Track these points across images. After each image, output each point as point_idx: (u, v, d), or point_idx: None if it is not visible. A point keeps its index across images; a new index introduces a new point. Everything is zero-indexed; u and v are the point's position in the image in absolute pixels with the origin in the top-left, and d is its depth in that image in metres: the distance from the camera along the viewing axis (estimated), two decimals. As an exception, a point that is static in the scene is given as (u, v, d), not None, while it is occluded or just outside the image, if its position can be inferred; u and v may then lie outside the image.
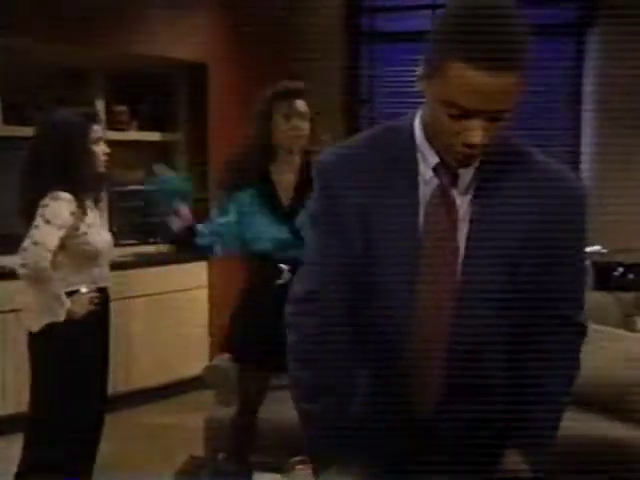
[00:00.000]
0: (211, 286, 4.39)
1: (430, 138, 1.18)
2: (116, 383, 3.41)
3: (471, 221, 1.18)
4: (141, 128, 4.56)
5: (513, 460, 1.21)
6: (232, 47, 4.53)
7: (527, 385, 1.21)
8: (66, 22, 3.64)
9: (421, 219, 1.19)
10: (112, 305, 2.70)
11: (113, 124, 4.41)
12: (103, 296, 2.59)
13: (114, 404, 3.35)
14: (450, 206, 1.19)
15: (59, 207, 2.40)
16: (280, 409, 2.91)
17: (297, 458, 2.48)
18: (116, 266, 3.02)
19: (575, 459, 2.43)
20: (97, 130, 2.54)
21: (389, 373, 1.23)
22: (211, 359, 4.17)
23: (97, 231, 2.56)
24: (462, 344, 1.18)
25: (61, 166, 2.43)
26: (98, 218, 2.63)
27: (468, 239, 1.18)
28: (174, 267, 4.27)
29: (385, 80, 5.12)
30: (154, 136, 4.58)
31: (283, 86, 2.72)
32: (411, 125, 1.22)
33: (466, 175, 1.18)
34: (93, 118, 2.57)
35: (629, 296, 3.33)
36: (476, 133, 1.08)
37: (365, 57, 5.09)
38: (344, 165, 1.23)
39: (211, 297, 4.39)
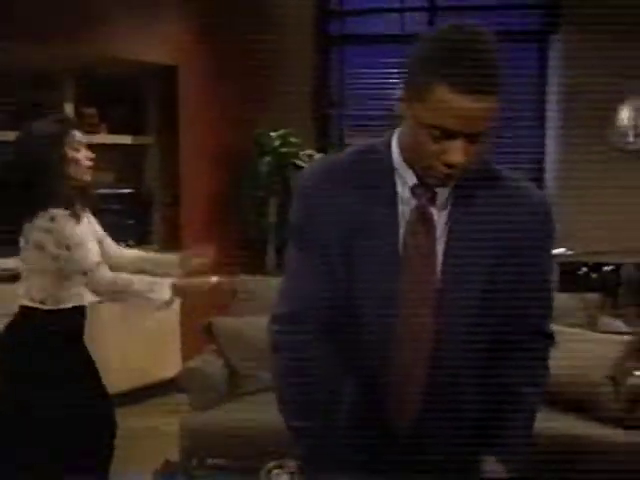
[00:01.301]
0: (183, 290, 4.38)
1: (409, 159, 1.22)
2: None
3: (448, 237, 1.23)
4: (111, 131, 4.54)
5: (492, 466, 1.27)
6: (202, 50, 4.54)
7: (501, 394, 1.27)
8: (32, 23, 3.61)
9: (401, 238, 1.23)
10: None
11: (82, 127, 4.37)
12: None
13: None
14: (429, 224, 1.23)
15: (65, 227, 2.26)
16: (255, 413, 2.95)
17: (274, 462, 2.52)
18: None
19: (544, 458, 2.50)
20: (76, 135, 2.39)
21: (372, 388, 1.26)
22: (184, 362, 4.20)
23: (87, 248, 2.37)
24: (441, 358, 1.23)
25: (45, 180, 2.30)
26: (92, 228, 2.48)
27: (445, 254, 1.23)
28: None
29: (354, 82, 5.18)
30: (125, 139, 4.57)
31: None
32: (388, 146, 1.26)
33: (443, 193, 1.23)
34: (70, 124, 2.44)
35: (594, 297, 3.42)
36: (458, 153, 1.13)
37: (335, 60, 5.14)
38: (325, 185, 1.26)
39: (183, 301, 4.38)
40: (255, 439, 2.74)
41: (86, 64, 4.22)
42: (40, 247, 2.27)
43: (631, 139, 4.66)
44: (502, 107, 1.15)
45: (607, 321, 3.54)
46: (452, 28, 1.14)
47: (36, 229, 2.27)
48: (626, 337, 3.25)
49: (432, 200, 1.23)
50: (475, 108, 1.10)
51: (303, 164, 4.07)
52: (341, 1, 5.15)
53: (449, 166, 1.15)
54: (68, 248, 2.25)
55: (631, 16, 4.28)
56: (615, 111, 4.66)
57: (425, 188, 1.22)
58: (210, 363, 3.19)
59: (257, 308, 3.35)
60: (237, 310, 3.48)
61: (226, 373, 3.18)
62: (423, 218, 1.23)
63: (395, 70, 5.11)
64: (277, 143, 4.15)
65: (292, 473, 2.48)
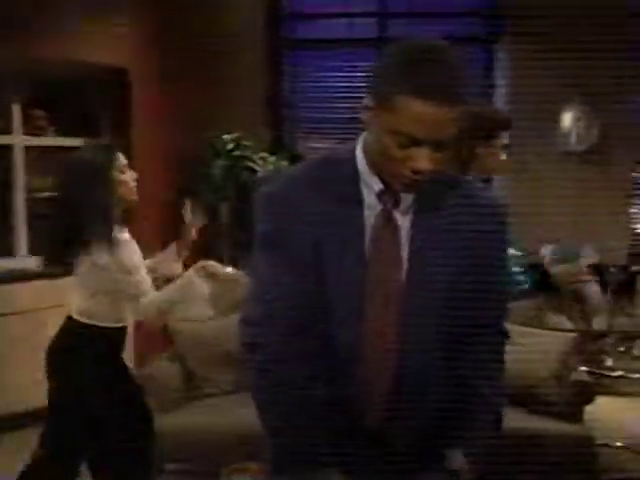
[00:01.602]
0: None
1: (375, 165, 1.26)
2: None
3: (412, 241, 1.28)
4: (61, 134, 4.48)
5: (456, 459, 1.32)
6: (154, 52, 4.51)
7: (462, 390, 1.32)
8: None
9: (367, 243, 1.28)
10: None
11: (30, 129, 4.32)
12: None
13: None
14: (394, 228, 1.28)
15: (127, 251, 2.38)
16: (214, 417, 2.96)
17: (235, 465, 2.55)
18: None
19: (501, 451, 2.59)
20: (120, 158, 2.50)
21: (342, 388, 1.30)
22: (138, 366, 4.15)
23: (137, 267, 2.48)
24: (408, 357, 1.28)
25: (98, 205, 2.38)
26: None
27: (410, 258, 1.28)
28: (48, 282, 4.01)
29: (307, 86, 5.23)
30: (75, 142, 4.49)
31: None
32: (352, 153, 1.30)
33: (407, 198, 1.28)
34: (112, 148, 2.52)
35: (540, 295, 3.54)
36: (424, 160, 1.19)
37: (287, 63, 5.18)
38: (291, 194, 1.29)
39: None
40: (215, 443, 2.76)
41: (35, 66, 4.15)
42: (103, 269, 2.35)
43: (573, 142, 4.84)
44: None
45: (553, 319, 3.68)
46: (416, 41, 1.21)
47: (97, 251, 2.34)
48: (570, 334, 3.39)
49: (397, 205, 1.28)
50: (439, 115, 1.15)
51: (257, 167, 4.09)
52: (293, 5, 5.18)
53: (416, 172, 1.20)
54: (129, 272, 2.37)
55: (569, 25, 4.44)
56: (558, 116, 4.82)
57: (390, 194, 1.27)
58: (167, 367, 3.18)
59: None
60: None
61: (183, 376, 3.19)
62: (388, 223, 1.28)
63: (346, 74, 5.19)
64: (230, 146, 4.15)
65: (255, 476, 2.51)
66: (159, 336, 3.31)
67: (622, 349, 3.81)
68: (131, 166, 2.51)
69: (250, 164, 4.13)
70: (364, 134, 1.30)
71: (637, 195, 5.14)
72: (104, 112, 4.57)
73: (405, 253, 1.28)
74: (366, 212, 1.28)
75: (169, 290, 2.44)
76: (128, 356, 4.13)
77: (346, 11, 5.08)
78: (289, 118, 5.17)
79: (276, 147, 4.78)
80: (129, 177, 2.50)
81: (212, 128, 4.31)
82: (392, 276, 1.27)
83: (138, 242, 2.50)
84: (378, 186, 1.27)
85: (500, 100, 4.92)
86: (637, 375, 3.56)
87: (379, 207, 1.28)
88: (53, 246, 2.48)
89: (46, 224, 2.49)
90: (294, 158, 4.61)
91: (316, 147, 5.25)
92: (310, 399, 1.28)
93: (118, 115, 4.44)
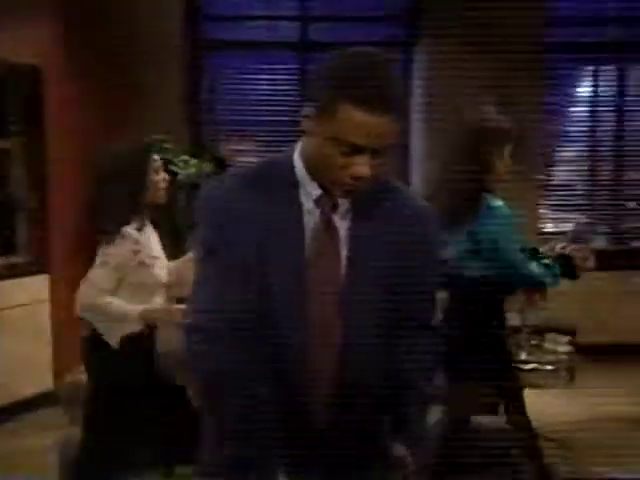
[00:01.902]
0: (54, 301, 4.22)
1: (314, 172, 1.30)
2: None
3: (350, 244, 1.33)
4: (-30, 134, 4.28)
5: (399, 452, 1.37)
6: (69, 51, 4.37)
7: (399, 384, 1.38)
8: None
9: (307, 248, 1.31)
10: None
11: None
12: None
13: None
14: (333, 232, 1.33)
15: (122, 246, 2.44)
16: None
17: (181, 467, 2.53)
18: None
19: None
20: (156, 159, 2.56)
21: (288, 389, 1.33)
22: (57, 377, 4.03)
23: (160, 263, 2.59)
24: (348, 356, 1.33)
25: (126, 200, 2.47)
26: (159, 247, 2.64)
27: (348, 260, 1.33)
28: (8, 281, 4.01)
29: (227, 88, 5.20)
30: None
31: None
32: (291, 160, 1.34)
33: (344, 203, 1.33)
34: (151, 148, 2.58)
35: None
36: (364, 167, 1.24)
37: (207, 65, 5.13)
38: (231, 200, 1.31)
39: (54, 312, 4.22)
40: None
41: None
42: (124, 263, 2.44)
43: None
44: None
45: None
46: (355, 51, 1.25)
47: (124, 244, 2.43)
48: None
49: (335, 210, 1.33)
50: (379, 123, 1.20)
51: (179, 170, 4.04)
52: (212, 6, 5.14)
53: (356, 179, 1.25)
54: (148, 267, 2.49)
55: (485, 28, 4.58)
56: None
57: (328, 199, 1.31)
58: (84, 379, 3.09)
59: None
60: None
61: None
62: (327, 227, 1.32)
63: (267, 76, 5.19)
64: (150, 148, 4.09)
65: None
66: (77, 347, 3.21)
67: (534, 343, 3.98)
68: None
69: (171, 167, 4.07)
70: (302, 141, 1.33)
71: (546, 196, 5.40)
72: (17, 111, 4.39)
73: (344, 255, 1.33)
74: (305, 217, 1.32)
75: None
76: (47, 369, 4.10)
77: (267, 14, 5.09)
78: (210, 120, 5.13)
79: (197, 150, 4.73)
80: (160, 179, 2.57)
81: (131, 129, 4.22)
82: (332, 278, 1.32)
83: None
84: (316, 192, 1.31)
85: (417, 103, 5.04)
86: (549, 367, 3.74)
87: (317, 212, 1.32)
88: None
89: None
90: (216, 161, 4.59)
91: (237, 149, 5.24)
92: (257, 403, 1.29)
93: (31, 114, 4.28)
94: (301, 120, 1.28)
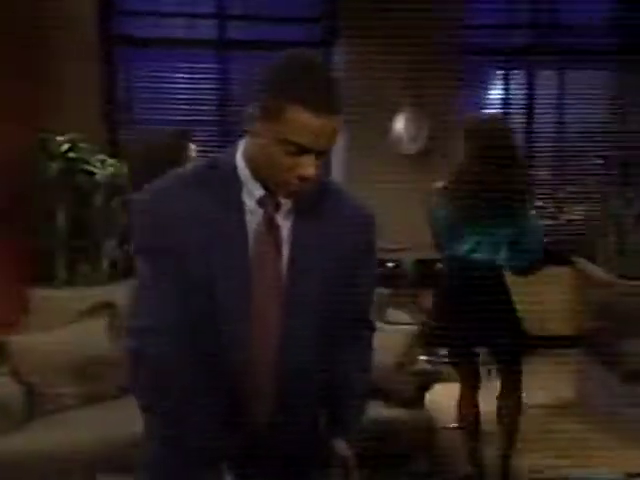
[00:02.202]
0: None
1: (259, 172, 1.31)
2: None
3: (292, 243, 1.35)
4: None
5: (340, 446, 1.40)
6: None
7: (340, 379, 1.42)
8: None
9: (250, 247, 1.32)
10: None
11: None
12: None
13: None
14: (275, 232, 1.34)
15: None
16: (59, 433, 2.81)
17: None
18: None
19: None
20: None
21: (232, 391, 1.34)
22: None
23: None
24: (290, 355, 1.35)
25: None
26: None
27: (290, 259, 1.35)
28: None
29: (143, 86, 5.08)
30: None
31: None
32: (233, 160, 1.34)
33: (287, 203, 1.35)
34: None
35: (381, 291, 3.71)
36: (310, 168, 1.26)
37: (122, 62, 5.00)
38: (173, 199, 1.31)
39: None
40: (61, 460, 2.62)
41: None
42: None
43: (405, 145, 5.11)
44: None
45: (393, 313, 3.88)
46: (298, 54, 1.28)
47: None
48: (410, 327, 3.61)
49: (277, 210, 1.34)
50: (326, 125, 1.24)
51: (96, 170, 3.91)
52: (128, 2, 5.01)
53: (302, 179, 1.27)
54: None
55: (401, 29, 4.68)
56: (391, 119, 5.07)
57: (271, 199, 1.33)
58: (4, 385, 2.97)
59: (49, 323, 3.20)
60: (28, 326, 3.28)
61: (24, 394, 2.98)
62: (270, 227, 1.34)
63: (185, 75, 5.10)
64: (65, 148, 3.94)
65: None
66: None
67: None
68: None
69: (87, 167, 3.94)
70: (245, 141, 1.34)
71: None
72: None
73: (286, 255, 1.35)
74: (248, 217, 1.32)
75: None
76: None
77: (185, 11, 5.00)
78: (126, 119, 4.99)
79: (113, 149, 4.61)
80: None
81: (44, 128, 4.06)
82: (274, 277, 1.34)
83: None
84: (259, 192, 1.32)
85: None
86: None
87: (260, 212, 1.33)
88: None
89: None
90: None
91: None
92: (198, 403, 1.29)
93: None
94: (245, 120, 1.28)
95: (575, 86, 5.45)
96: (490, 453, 3.23)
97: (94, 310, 3.37)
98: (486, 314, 2.89)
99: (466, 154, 3.02)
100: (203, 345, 1.31)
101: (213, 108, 5.10)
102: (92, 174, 3.92)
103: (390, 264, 4.66)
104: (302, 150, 1.24)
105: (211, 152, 5.04)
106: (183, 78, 5.10)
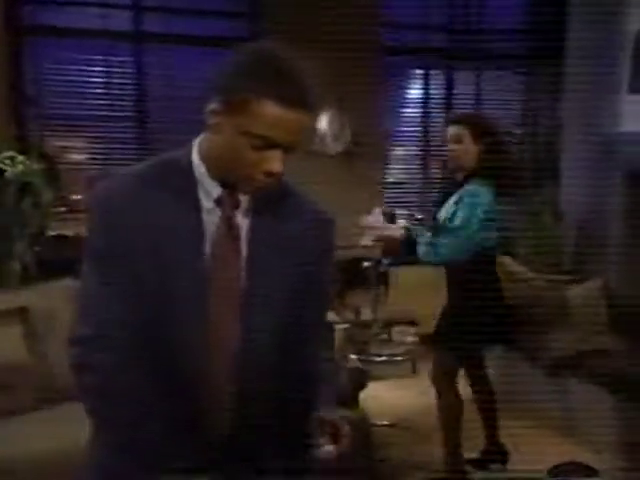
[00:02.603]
0: None
1: (216, 169, 1.27)
2: None
3: (250, 244, 1.32)
4: None
5: (332, 417, 1.36)
6: None
7: (303, 379, 1.38)
8: None
9: (207, 247, 1.28)
10: None
11: None
12: None
13: None
14: (235, 231, 1.31)
15: None
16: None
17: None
18: None
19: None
20: None
21: (187, 400, 1.29)
22: None
23: None
24: (249, 361, 1.32)
25: None
26: None
27: (249, 258, 1.31)
28: None
29: (53, 79, 4.81)
30: None
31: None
32: (188, 158, 1.29)
33: (245, 201, 1.31)
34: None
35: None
36: (277, 163, 1.23)
37: (30, 53, 4.71)
38: (126, 200, 1.25)
39: None
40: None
41: None
42: None
43: (328, 144, 5.09)
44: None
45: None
46: (264, 46, 1.26)
47: None
48: (338, 326, 3.57)
49: (237, 208, 1.31)
50: (297, 119, 1.21)
51: (6, 167, 3.66)
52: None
53: (268, 175, 1.24)
54: None
55: (325, 27, 4.65)
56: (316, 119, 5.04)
57: (229, 198, 1.29)
58: None
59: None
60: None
61: None
62: (230, 227, 1.30)
63: (100, 68, 4.87)
64: (-31, 144, 3.67)
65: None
66: None
67: (384, 336, 4.12)
68: None
69: (-5, 163, 3.68)
70: (202, 139, 1.30)
71: (383, 196, 5.58)
72: None
73: (245, 254, 1.32)
74: (205, 217, 1.28)
75: None
76: None
77: (99, 1, 4.78)
78: (36, 114, 4.71)
79: (22, 146, 4.34)
80: None
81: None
82: (234, 278, 1.30)
83: None
84: (217, 191, 1.29)
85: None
86: (398, 358, 3.90)
87: (217, 211, 1.29)
88: None
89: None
90: (44, 158, 4.22)
91: (65, 146, 4.88)
92: (151, 413, 1.24)
93: None
94: (206, 115, 1.24)
95: (491, 87, 5.60)
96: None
97: (6, 316, 3.14)
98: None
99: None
100: (156, 351, 1.26)
101: (129, 103, 4.90)
102: (2, 171, 3.67)
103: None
104: (269, 144, 1.22)
105: (127, 148, 4.97)
106: (97, 71, 4.87)
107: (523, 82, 5.61)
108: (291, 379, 1.36)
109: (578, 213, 4.37)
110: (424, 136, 5.58)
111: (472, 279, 3.03)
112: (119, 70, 4.90)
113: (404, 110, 5.67)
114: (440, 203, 3.22)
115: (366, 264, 4.41)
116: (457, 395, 3.17)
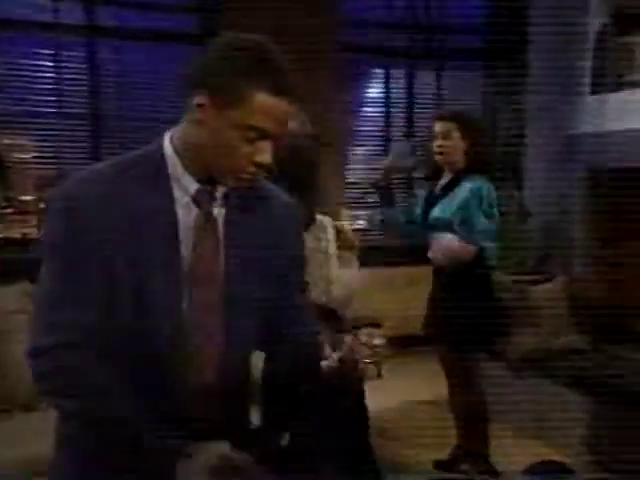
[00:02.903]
0: None
1: (195, 164, 1.26)
2: None
3: (226, 235, 1.32)
4: None
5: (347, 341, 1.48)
6: None
7: (284, 369, 1.41)
8: None
9: (182, 242, 1.27)
10: None
11: None
12: None
13: None
14: (213, 224, 1.30)
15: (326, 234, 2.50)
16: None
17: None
18: None
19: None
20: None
21: (166, 402, 1.28)
22: None
23: None
24: (231, 360, 1.33)
25: (312, 190, 2.46)
26: None
27: (226, 249, 1.31)
28: None
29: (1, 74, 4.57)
30: None
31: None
32: (159, 152, 1.27)
33: (220, 193, 1.31)
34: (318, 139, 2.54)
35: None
36: (267, 154, 1.25)
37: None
38: (97, 199, 1.21)
39: None
40: None
41: None
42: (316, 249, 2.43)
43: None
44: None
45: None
46: (252, 38, 1.25)
47: (315, 231, 2.45)
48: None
49: (213, 201, 1.30)
50: (287, 110, 1.24)
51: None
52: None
53: (259, 166, 1.26)
54: (327, 256, 2.50)
55: (281, 23, 4.56)
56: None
57: (206, 192, 1.28)
58: None
59: None
60: None
61: None
62: (207, 222, 1.29)
63: (49, 62, 4.66)
64: None
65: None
66: None
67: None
68: None
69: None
70: (174, 133, 1.28)
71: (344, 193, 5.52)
72: None
73: (223, 245, 1.32)
74: (180, 212, 1.27)
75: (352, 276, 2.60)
76: None
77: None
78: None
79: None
80: None
81: None
82: (214, 270, 1.30)
83: None
84: (194, 186, 1.28)
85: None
86: (367, 361, 3.81)
87: (194, 208, 1.28)
88: None
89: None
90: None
91: (10, 144, 4.65)
92: (127, 416, 1.21)
93: None
94: (188, 109, 1.24)
95: (452, 86, 5.59)
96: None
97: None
98: None
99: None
100: (133, 348, 1.24)
101: (81, 99, 4.69)
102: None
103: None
104: (261, 136, 1.23)
105: (78, 146, 4.76)
106: (47, 66, 4.65)
107: (484, 80, 5.60)
108: (280, 362, 1.40)
109: (542, 213, 4.38)
110: (385, 135, 5.53)
111: (472, 273, 3.06)
112: (70, 65, 4.69)
113: (364, 109, 5.62)
114: (428, 201, 3.20)
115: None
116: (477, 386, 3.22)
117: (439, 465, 3.40)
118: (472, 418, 3.26)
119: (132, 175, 1.25)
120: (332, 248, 2.56)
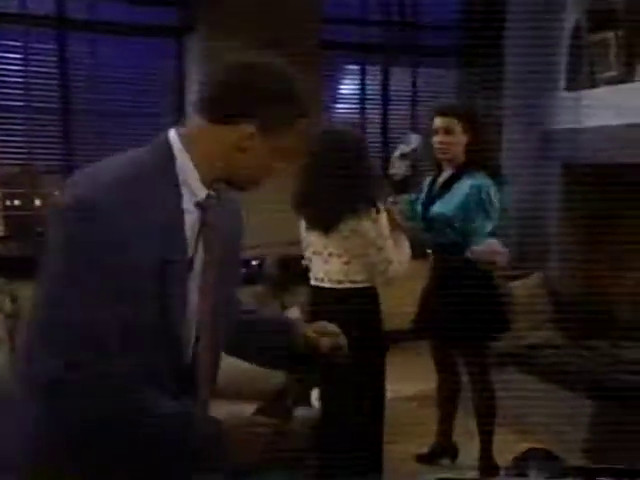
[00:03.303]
0: None
1: (217, 176, 1.31)
2: None
3: (211, 240, 1.35)
4: None
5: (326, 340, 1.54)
6: None
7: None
8: None
9: (189, 248, 1.31)
10: None
11: None
12: None
13: None
14: (212, 230, 1.34)
15: (384, 221, 2.63)
16: None
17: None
18: None
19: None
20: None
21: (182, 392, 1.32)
22: None
23: None
24: (217, 352, 1.42)
25: (365, 181, 2.61)
26: None
27: (210, 252, 1.35)
28: None
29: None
30: None
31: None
32: (169, 159, 1.29)
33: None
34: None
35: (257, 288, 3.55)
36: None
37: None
38: (115, 205, 1.19)
39: None
40: None
41: None
42: (364, 235, 2.59)
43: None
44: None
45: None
46: (280, 64, 1.32)
47: (363, 219, 2.58)
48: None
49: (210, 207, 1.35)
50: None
51: None
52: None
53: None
54: (385, 238, 2.62)
55: (260, 17, 4.51)
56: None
57: (212, 199, 1.33)
58: None
59: None
60: None
61: None
62: (204, 226, 1.33)
63: (17, 55, 4.51)
64: None
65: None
66: None
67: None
68: None
69: None
70: (192, 143, 1.29)
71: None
72: None
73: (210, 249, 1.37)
74: (186, 219, 1.29)
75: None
76: None
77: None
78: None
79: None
80: None
81: None
82: (209, 273, 1.35)
83: None
84: (203, 193, 1.31)
85: (191, 93, 4.80)
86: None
87: (195, 212, 1.31)
88: (322, 214, 2.64)
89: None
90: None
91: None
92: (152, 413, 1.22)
93: None
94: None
95: (428, 83, 5.59)
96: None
97: None
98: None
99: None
100: (149, 348, 1.25)
101: (51, 93, 4.58)
102: None
103: (254, 262, 4.46)
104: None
105: (48, 141, 4.63)
106: (15, 58, 4.52)
107: (460, 77, 5.61)
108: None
109: (519, 209, 4.39)
110: (360, 132, 5.50)
111: (473, 267, 3.07)
112: (40, 58, 4.57)
113: (339, 106, 5.58)
114: (429, 197, 3.18)
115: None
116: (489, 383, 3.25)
117: (421, 459, 3.43)
118: (484, 414, 3.26)
119: (146, 180, 1.26)
120: (387, 231, 2.63)
